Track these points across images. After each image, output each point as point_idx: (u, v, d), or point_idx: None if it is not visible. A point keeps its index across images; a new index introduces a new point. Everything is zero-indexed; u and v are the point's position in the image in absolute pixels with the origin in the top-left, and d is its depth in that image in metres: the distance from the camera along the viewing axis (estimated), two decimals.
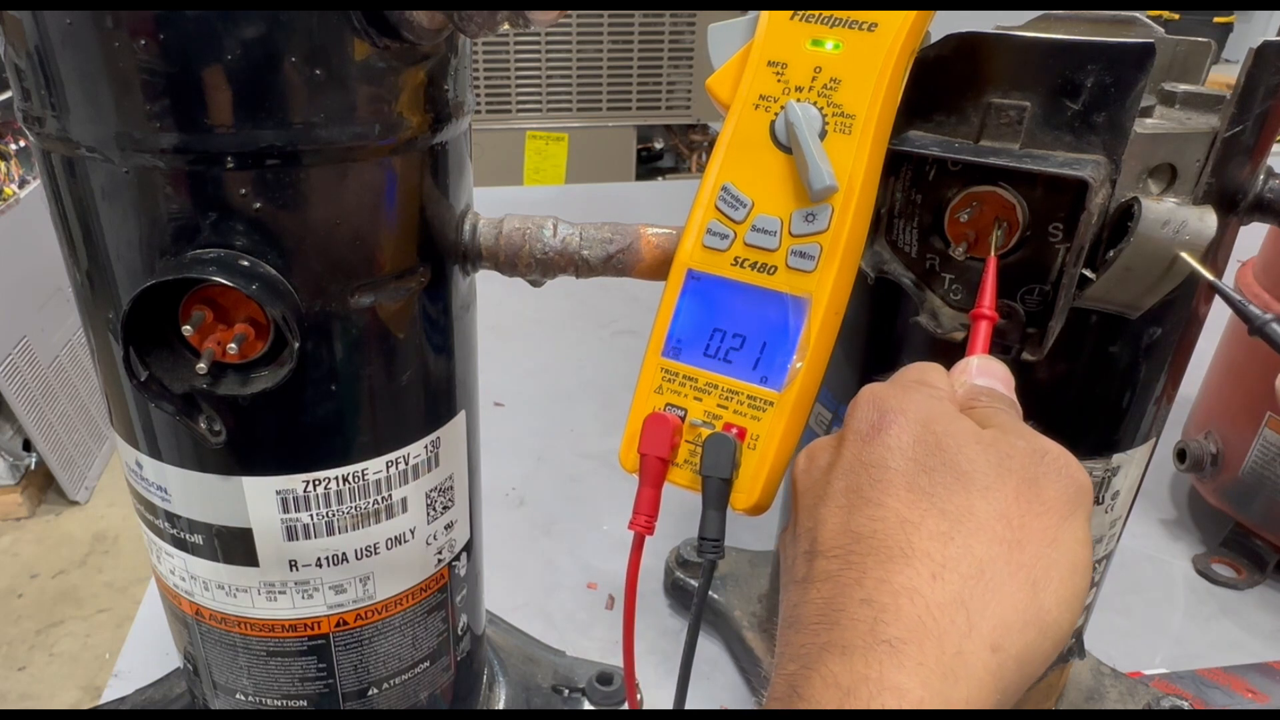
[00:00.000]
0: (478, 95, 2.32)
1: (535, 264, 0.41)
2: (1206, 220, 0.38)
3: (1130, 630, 0.72)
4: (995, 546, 0.27)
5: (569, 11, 1.57)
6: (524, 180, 2.44)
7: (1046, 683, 0.59)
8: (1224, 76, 0.44)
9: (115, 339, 0.34)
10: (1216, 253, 0.44)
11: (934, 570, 0.26)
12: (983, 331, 0.37)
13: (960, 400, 0.33)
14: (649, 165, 2.70)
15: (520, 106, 2.37)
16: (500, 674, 0.61)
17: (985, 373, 0.34)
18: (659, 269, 0.39)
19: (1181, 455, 0.82)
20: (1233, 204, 0.42)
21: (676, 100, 2.46)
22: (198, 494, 0.40)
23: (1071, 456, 0.29)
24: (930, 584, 0.26)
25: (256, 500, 0.39)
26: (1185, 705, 0.61)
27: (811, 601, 0.28)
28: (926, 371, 0.34)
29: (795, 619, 0.29)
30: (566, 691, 0.60)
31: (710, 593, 0.68)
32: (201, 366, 0.34)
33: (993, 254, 0.40)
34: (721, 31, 0.38)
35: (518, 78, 2.33)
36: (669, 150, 2.73)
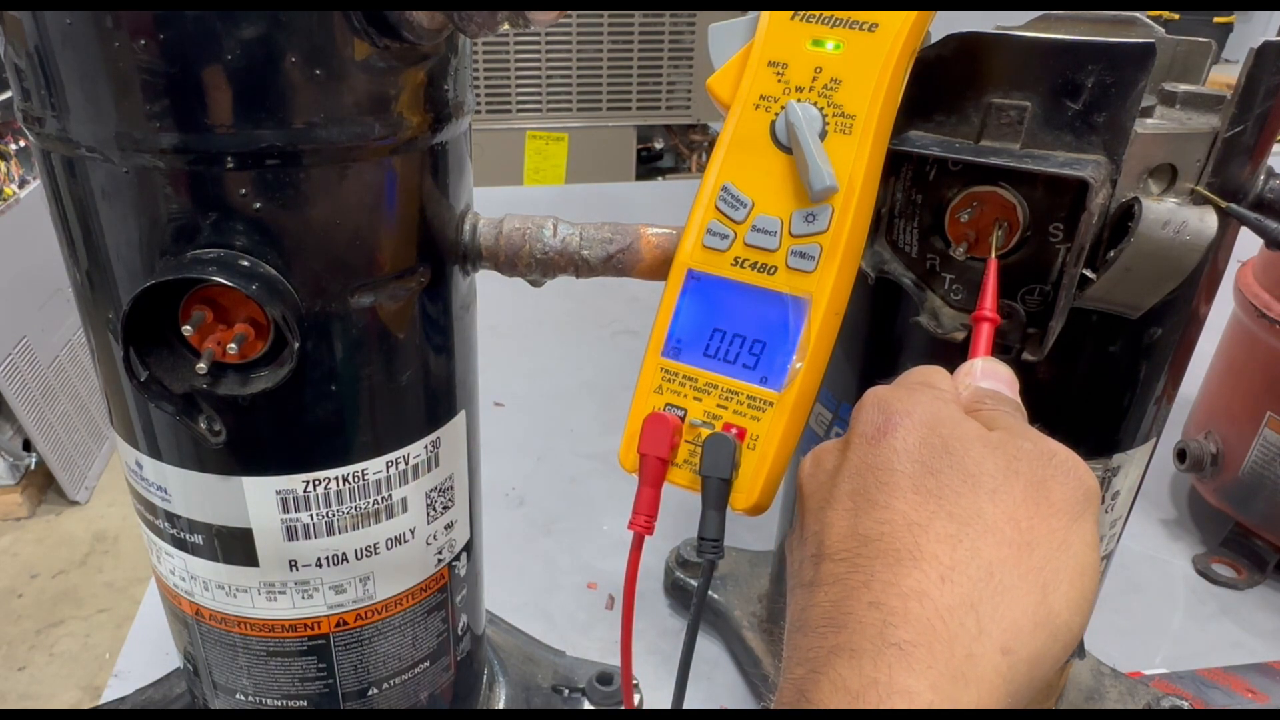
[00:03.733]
0: (478, 95, 2.32)
1: (535, 264, 0.41)
2: (1206, 220, 0.38)
3: (1130, 630, 0.72)
4: (1004, 549, 0.27)
5: (569, 11, 1.57)
6: (524, 180, 2.44)
7: (1046, 683, 0.59)
8: (1224, 76, 0.44)
9: (115, 339, 0.34)
10: (1217, 253, 0.44)
11: (942, 573, 0.26)
12: (985, 334, 0.37)
13: (965, 402, 0.33)
14: (649, 165, 2.70)
15: (520, 106, 2.37)
16: (500, 674, 0.61)
17: (990, 375, 0.34)
18: (659, 269, 0.39)
19: (1181, 455, 0.82)
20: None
21: (676, 100, 2.46)
22: (198, 494, 0.40)
23: (1079, 459, 0.29)
24: (939, 586, 0.26)
25: (256, 500, 0.39)
26: (1185, 705, 0.61)
27: (818, 605, 0.28)
28: (931, 374, 0.33)
29: (802, 622, 0.29)
30: (566, 691, 0.60)
31: (710, 593, 0.68)
32: (201, 366, 0.34)
33: (993, 254, 0.40)
34: (722, 31, 0.38)
35: (518, 78, 2.33)
36: (669, 150, 2.73)
